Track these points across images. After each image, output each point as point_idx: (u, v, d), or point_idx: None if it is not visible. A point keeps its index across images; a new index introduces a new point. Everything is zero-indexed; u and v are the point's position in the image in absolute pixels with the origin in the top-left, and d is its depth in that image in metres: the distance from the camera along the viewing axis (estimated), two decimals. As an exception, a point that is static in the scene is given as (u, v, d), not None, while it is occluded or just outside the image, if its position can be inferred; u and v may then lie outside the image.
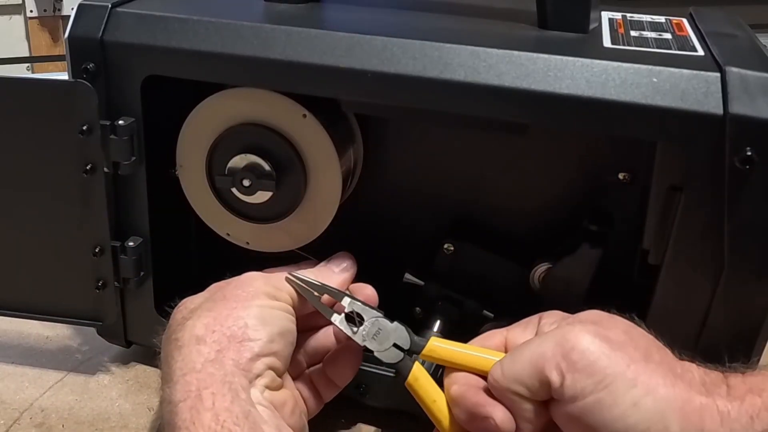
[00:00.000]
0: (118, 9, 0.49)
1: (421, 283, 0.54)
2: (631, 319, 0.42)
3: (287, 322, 0.45)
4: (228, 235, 0.54)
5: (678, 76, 0.41)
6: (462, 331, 0.53)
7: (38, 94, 0.50)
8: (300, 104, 0.49)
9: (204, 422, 0.38)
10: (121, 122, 0.49)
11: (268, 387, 0.42)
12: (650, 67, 0.42)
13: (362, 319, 0.45)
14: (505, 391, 0.40)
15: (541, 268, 0.51)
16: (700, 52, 0.46)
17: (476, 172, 0.54)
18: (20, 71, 2.24)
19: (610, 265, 0.50)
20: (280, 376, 0.44)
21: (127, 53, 0.49)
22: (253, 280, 0.46)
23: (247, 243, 0.54)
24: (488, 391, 0.41)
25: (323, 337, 0.49)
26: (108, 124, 0.49)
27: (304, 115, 0.49)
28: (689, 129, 0.41)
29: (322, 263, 0.51)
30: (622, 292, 0.50)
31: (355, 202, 0.54)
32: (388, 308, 0.47)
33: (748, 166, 0.40)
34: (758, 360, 0.45)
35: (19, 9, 2.34)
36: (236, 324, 0.43)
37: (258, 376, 0.42)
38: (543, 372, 0.39)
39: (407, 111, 0.47)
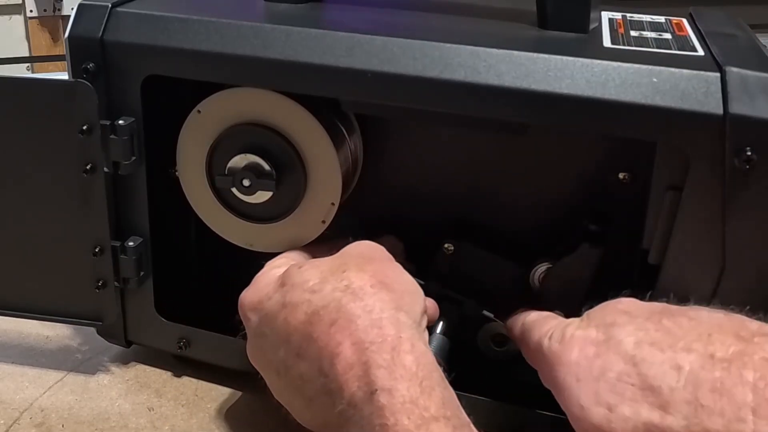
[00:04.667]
0: (118, 9, 0.49)
1: (422, 283, 0.54)
2: None
3: None
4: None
5: (678, 76, 0.41)
6: (462, 331, 0.53)
7: (38, 94, 0.50)
8: (300, 104, 0.49)
9: (406, 364, 0.38)
10: (121, 122, 0.49)
11: None
12: (650, 67, 0.42)
13: None
14: None
15: (541, 268, 0.51)
16: (700, 52, 0.45)
17: (476, 172, 0.54)
18: (20, 71, 2.24)
19: (610, 265, 0.50)
20: None
21: (127, 53, 0.49)
22: (373, 245, 0.47)
23: (249, 244, 0.54)
24: None
25: None
26: (108, 123, 0.49)
27: (304, 115, 0.49)
28: (689, 129, 0.41)
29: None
30: (622, 292, 0.50)
31: (355, 202, 0.54)
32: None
33: (748, 166, 0.40)
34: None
35: (19, 9, 2.34)
36: (405, 280, 0.45)
37: (421, 331, 0.43)
38: None
39: (407, 111, 0.47)
